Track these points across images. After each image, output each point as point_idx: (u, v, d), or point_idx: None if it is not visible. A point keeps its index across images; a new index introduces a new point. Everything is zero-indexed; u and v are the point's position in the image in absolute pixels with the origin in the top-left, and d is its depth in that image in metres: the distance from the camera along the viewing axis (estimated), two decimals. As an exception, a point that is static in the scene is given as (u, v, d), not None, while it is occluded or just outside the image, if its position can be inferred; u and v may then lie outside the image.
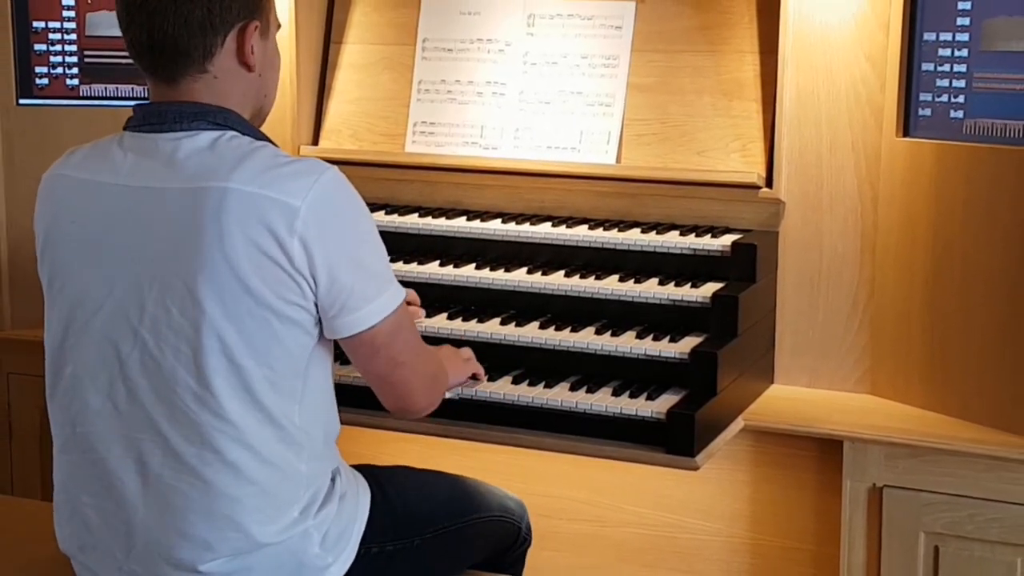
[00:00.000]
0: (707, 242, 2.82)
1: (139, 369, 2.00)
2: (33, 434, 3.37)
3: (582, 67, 3.09)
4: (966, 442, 2.58)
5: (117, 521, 2.05)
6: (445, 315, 2.81)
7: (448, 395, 2.50)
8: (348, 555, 2.14)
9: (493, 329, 2.73)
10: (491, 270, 2.88)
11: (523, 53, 3.15)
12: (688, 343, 2.62)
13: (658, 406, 2.49)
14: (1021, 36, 2.56)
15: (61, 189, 2.09)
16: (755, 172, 2.88)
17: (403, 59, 3.28)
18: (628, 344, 2.63)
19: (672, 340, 2.64)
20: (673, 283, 2.75)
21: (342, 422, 2.21)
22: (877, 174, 2.81)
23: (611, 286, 2.76)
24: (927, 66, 2.71)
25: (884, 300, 2.83)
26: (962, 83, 2.66)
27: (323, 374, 2.11)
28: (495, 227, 2.99)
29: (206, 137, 2.02)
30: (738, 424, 2.70)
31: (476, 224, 3.02)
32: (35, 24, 3.34)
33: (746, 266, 2.76)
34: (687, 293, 2.70)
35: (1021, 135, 2.57)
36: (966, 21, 2.64)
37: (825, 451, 2.77)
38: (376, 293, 2.05)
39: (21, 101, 3.35)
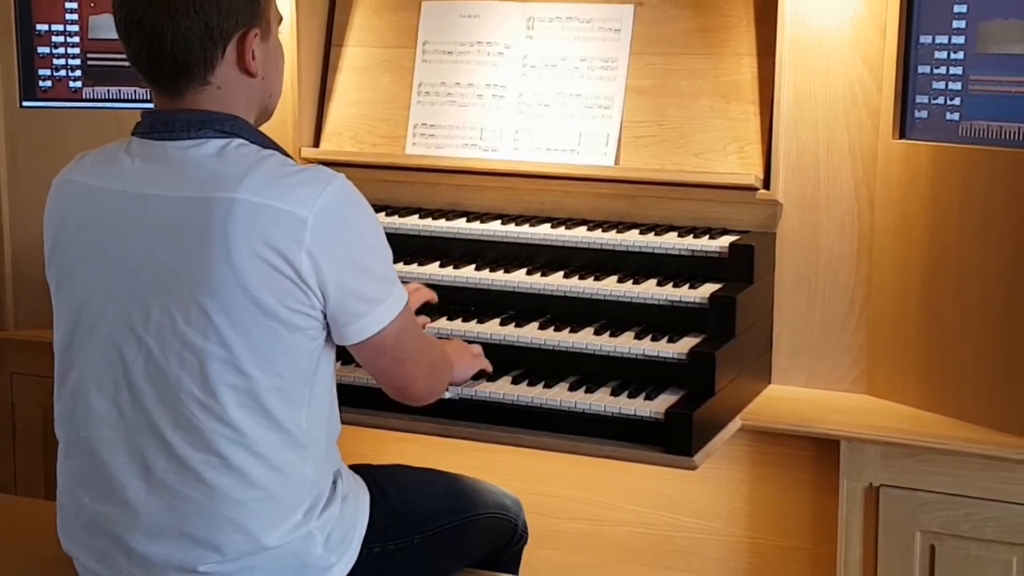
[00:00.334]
0: (705, 243, 2.83)
1: (143, 375, 2.00)
2: (36, 433, 3.38)
3: (581, 69, 3.10)
4: (962, 442, 2.59)
5: (120, 523, 2.05)
6: (445, 316, 2.82)
7: (448, 395, 2.51)
8: (351, 555, 2.14)
9: (493, 330, 2.75)
10: (491, 271, 2.89)
11: (522, 56, 3.16)
12: (686, 343, 2.63)
13: (656, 406, 2.50)
14: (1016, 39, 2.57)
15: (69, 194, 2.08)
16: (752, 174, 2.89)
17: (403, 62, 3.29)
18: (627, 344, 2.65)
19: (670, 340, 2.65)
20: (671, 284, 2.75)
21: (342, 422, 2.22)
22: (874, 176, 2.82)
23: (610, 287, 2.77)
24: (923, 69, 2.72)
25: (881, 301, 2.84)
26: (958, 85, 2.67)
27: (328, 377, 2.12)
28: (495, 228, 3.00)
29: (214, 145, 2.00)
30: (736, 424, 2.71)
31: (476, 225, 3.03)
32: (38, 27, 3.35)
33: (744, 267, 2.77)
34: (685, 294, 2.71)
35: (1016, 137, 2.58)
36: (962, 24, 2.65)
37: (822, 451, 2.78)
38: (382, 297, 2.05)
39: (24, 103, 3.35)
